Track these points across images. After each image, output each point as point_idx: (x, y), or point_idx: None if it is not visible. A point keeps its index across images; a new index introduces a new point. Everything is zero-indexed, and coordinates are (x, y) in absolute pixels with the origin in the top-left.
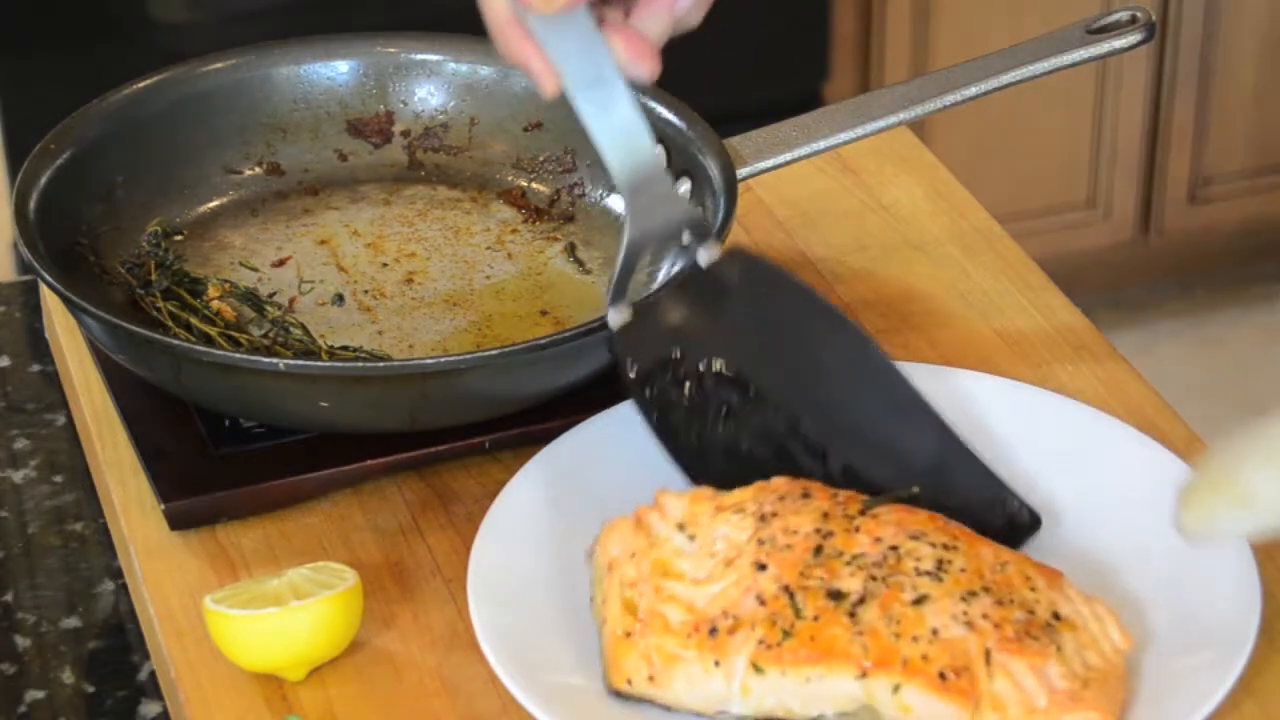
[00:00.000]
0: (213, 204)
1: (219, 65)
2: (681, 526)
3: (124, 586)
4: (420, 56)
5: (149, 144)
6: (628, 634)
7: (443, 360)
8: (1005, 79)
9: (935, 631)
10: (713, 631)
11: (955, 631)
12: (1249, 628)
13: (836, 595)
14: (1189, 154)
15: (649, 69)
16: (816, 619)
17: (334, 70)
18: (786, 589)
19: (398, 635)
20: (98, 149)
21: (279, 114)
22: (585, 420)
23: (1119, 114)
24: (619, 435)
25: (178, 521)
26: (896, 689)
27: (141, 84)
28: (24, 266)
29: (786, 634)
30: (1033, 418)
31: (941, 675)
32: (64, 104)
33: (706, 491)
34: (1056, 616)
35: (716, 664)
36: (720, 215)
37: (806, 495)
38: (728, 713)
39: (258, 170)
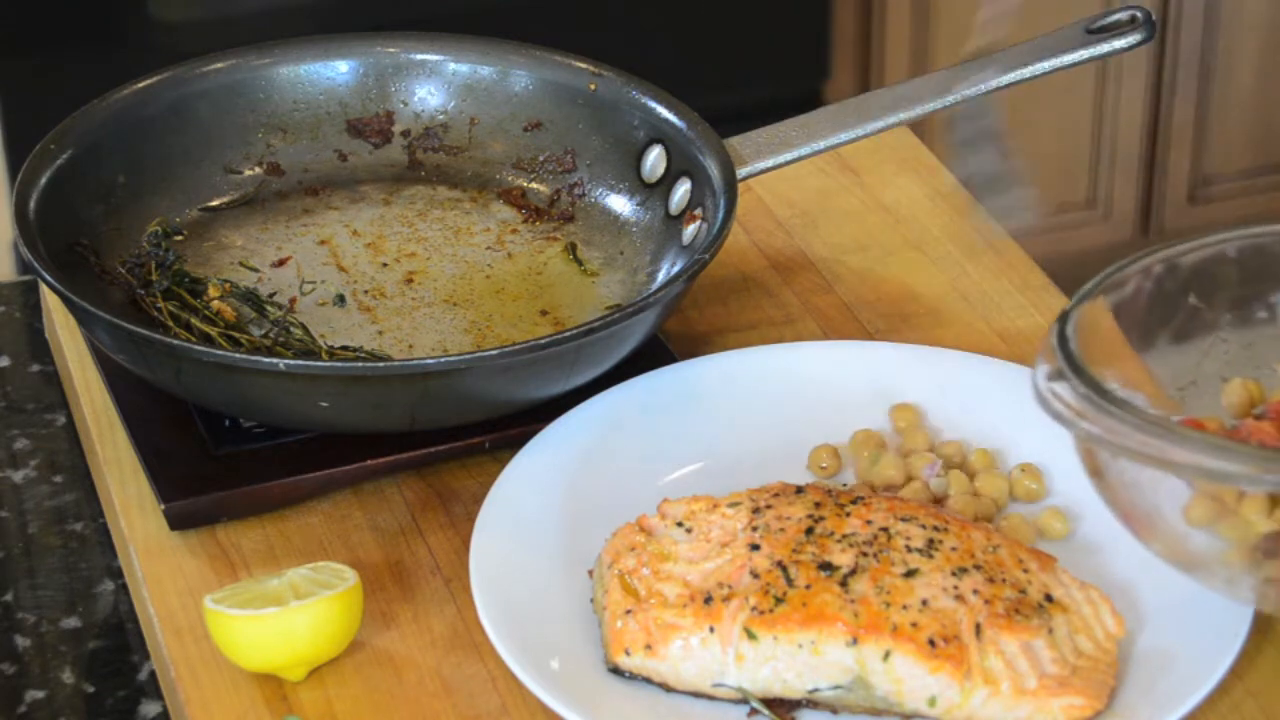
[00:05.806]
0: (213, 204)
1: (219, 65)
2: (680, 524)
3: (124, 586)
4: (420, 56)
5: (149, 144)
6: (628, 611)
7: (443, 360)
8: (1005, 79)
9: (925, 602)
10: (708, 600)
11: (945, 603)
12: (1243, 616)
13: (828, 567)
14: (1189, 154)
15: None
16: (808, 588)
17: (334, 70)
18: (779, 564)
19: (398, 635)
20: (98, 149)
21: (279, 114)
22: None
23: (1119, 113)
24: (619, 414)
25: (178, 521)
26: (887, 656)
27: (141, 84)
28: (24, 266)
29: (779, 600)
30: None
31: (931, 642)
32: (64, 104)
33: (705, 496)
34: (1049, 598)
35: (711, 630)
36: (720, 215)
37: (800, 492)
38: (724, 686)
39: (258, 170)
